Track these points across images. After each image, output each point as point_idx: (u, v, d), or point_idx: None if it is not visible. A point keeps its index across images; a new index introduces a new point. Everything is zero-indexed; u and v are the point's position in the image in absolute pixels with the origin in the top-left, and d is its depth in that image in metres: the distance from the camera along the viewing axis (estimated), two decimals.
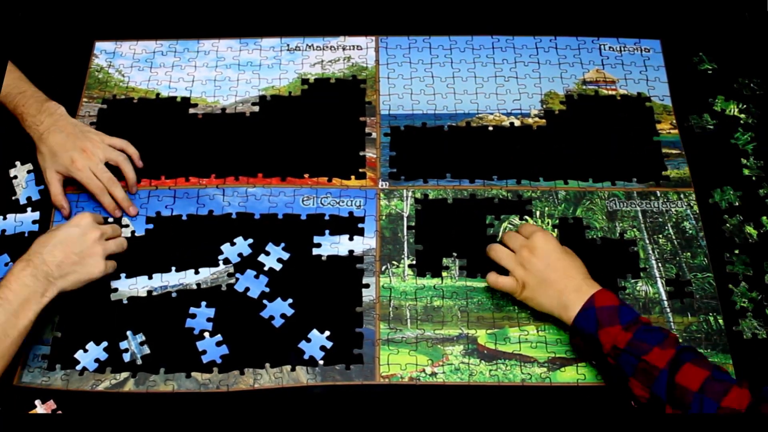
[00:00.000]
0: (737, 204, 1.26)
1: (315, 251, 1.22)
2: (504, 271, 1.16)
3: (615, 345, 1.03)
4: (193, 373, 1.12)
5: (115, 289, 1.19)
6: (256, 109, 1.37)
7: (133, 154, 1.29)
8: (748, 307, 1.17)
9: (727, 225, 1.25)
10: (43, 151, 1.23)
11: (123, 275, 1.20)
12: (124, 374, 1.12)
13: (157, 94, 1.39)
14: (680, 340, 1.11)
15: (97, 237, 1.14)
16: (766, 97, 1.36)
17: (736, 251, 1.22)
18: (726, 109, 1.35)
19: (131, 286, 1.19)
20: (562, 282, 1.10)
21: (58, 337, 1.15)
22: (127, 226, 1.24)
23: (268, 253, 1.22)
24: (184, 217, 1.26)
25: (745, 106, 1.35)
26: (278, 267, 1.20)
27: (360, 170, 1.31)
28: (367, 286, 1.19)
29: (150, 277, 1.20)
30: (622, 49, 1.44)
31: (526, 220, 1.26)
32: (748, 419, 0.95)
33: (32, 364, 1.12)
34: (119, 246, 1.18)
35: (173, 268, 1.21)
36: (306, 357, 1.13)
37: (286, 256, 1.22)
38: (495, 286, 1.16)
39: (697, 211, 1.26)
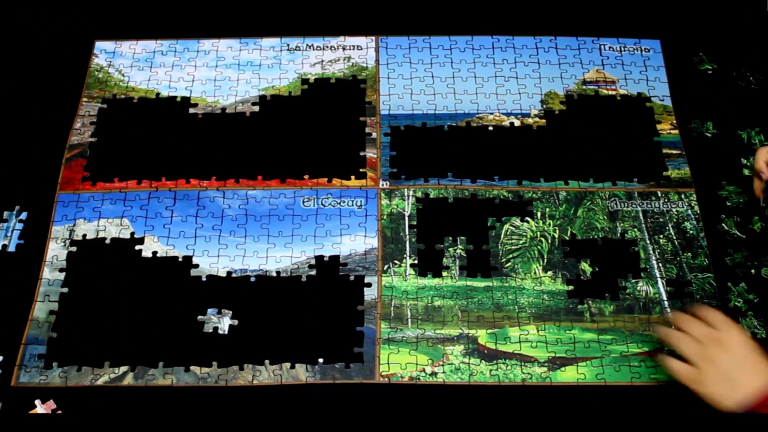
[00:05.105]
0: (714, 132, 1.29)
1: (318, 251, 1.23)
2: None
3: None
4: (192, 367, 1.12)
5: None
6: (256, 109, 1.37)
7: None
8: (742, 307, 1.17)
9: (723, 225, 1.25)
10: None
11: None
12: (123, 368, 1.12)
13: (157, 94, 1.39)
14: None
15: None
16: (763, 91, 1.37)
17: (737, 252, 1.22)
18: (703, 131, 1.35)
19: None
20: (750, 383, 1.01)
21: (53, 338, 1.15)
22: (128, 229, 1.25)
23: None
24: (184, 220, 1.26)
25: None
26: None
27: (360, 170, 1.31)
28: (369, 285, 1.19)
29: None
30: (622, 49, 1.44)
31: (527, 221, 1.26)
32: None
33: (29, 364, 1.12)
34: None
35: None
36: (305, 355, 1.13)
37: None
38: (667, 370, 1.07)
39: (698, 212, 1.26)
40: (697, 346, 1.05)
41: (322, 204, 1.27)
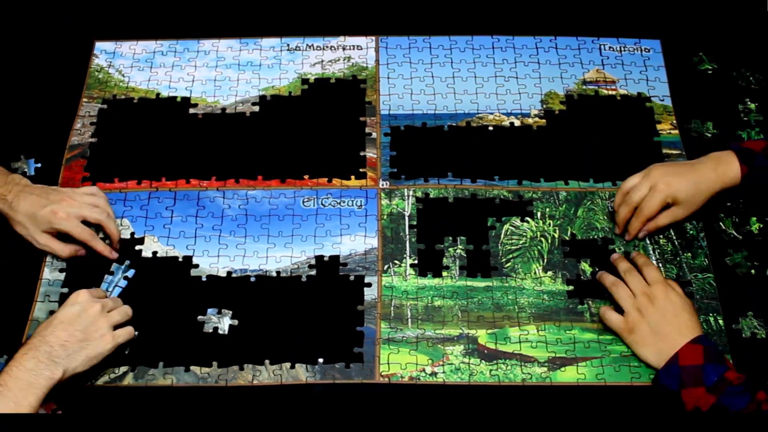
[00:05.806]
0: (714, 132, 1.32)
1: (318, 251, 1.23)
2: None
3: (697, 407, 1.02)
4: (192, 367, 1.12)
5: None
6: (256, 109, 1.37)
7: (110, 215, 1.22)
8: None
9: (721, 224, 1.25)
10: (21, 219, 1.16)
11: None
12: (123, 368, 1.12)
13: (157, 94, 1.39)
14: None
15: (98, 311, 1.08)
16: (763, 91, 1.37)
17: (737, 252, 1.22)
18: (703, 131, 1.35)
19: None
20: (674, 339, 1.08)
21: None
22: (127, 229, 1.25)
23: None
24: (185, 219, 1.26)
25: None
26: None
27: (360, 170, 1.31)
28: (369, 285, 1.19)
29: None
30: (622, 49, 1.44)
31: (527, 221, 1.26)
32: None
33: None
34: (123, 315, 1.12)
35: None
36: (305, 355, 1.13)
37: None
38: (604, 320, 1.14)
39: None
40: (632, 297, 1.13)
41: (322, 204, 1.27)
